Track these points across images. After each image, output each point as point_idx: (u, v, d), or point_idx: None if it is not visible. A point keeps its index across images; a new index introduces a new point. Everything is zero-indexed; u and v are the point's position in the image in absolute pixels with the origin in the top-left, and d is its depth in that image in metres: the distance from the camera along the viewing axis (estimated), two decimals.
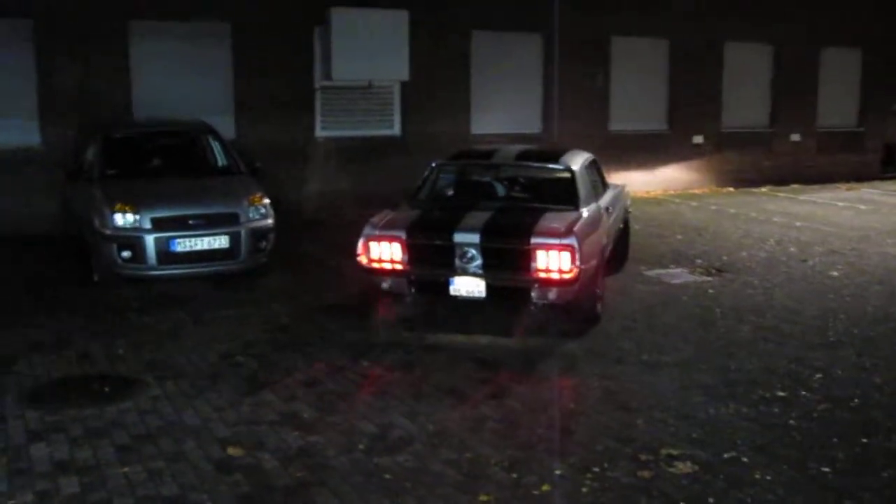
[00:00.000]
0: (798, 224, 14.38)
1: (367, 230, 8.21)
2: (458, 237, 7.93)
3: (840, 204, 16.86)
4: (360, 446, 5.55)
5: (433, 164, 9.47)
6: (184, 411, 6.18)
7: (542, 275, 7.70)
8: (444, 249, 7.98)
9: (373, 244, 8.11)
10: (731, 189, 18.88)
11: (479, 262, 7.88)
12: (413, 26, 14.58)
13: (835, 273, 10.74)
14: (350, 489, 4.96)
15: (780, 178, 19.59)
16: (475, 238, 7.88)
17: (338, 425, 5.88)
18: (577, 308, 8.12)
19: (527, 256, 7.75)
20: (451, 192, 9.55)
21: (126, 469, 5.22)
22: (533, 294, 7.81)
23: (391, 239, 8.06)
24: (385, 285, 8.19)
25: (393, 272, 8.10)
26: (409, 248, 8.04)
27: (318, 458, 5.37)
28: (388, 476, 5.13)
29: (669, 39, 18.06)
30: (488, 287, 7.88)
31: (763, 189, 18.95)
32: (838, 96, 20.46)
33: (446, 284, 7.98)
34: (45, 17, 12.89)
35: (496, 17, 16.05)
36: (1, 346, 7.66)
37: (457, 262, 7.93)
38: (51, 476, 5.13)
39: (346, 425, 5.88)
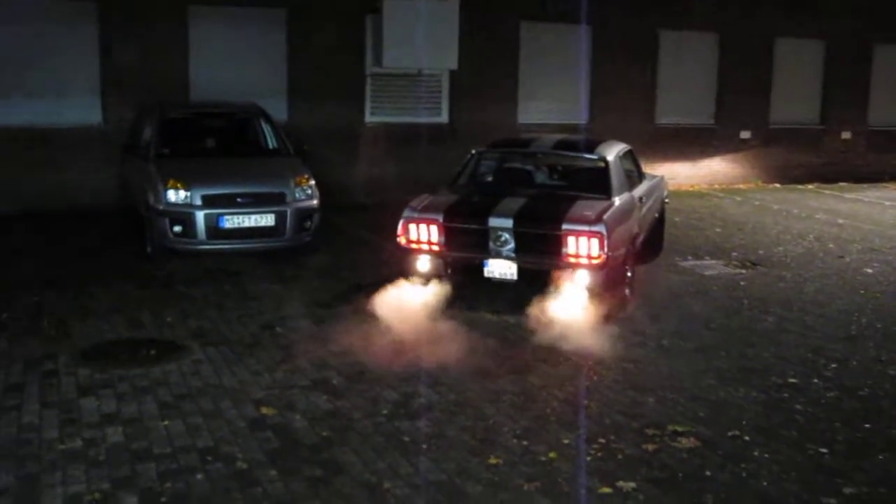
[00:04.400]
0: (840, 221, 14.41)
1: (406, 212, 8.59)
2: (493, 221, 8.28)
3: (887, 203, 16.77)
4: (384, 411, 5.92)
5: (473, 152, 9.83)
6: (223, 374, 6.61)
7: (572, 259, 8.02)
8: (479, 233, 8.35)
9: (412, 226, 8.50)
10: (778, 185, 18.87)
11: (511, 245, 8.23)
12: (463, 16, 14.86)
13: (869, 270, 10.83)
14: (370, 449, 5.33)
15: (829, 176, 19.50)
16: (509, 223, 8.22)
17: (364, 392, 6.25)
18: (606, 293, 8.34)
19: (557, 242, 8.07)
20: (488, 179, 9.89)
21: (166, 423, 5.66)
22: (563, 278, 8.12)
23: (429, 221, 8.45)
24: (422, 265, 8.57)
25: (430, 253, 8.49)
26: (445, 230, 8.41)
27: (344, 421, 5.75)
28: (406, 439, 5.49)
29: (719, 34, 18.09)
30: (520, 270, 8.24)
31: (810, 186, 18.90)
32: (891, 94, 20.23)
33: (480, 266, 8.36)
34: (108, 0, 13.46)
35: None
36: (58, 310, 8.19)
37: (491, 245, 8.29)
38: (98, 426, 5.59)
39: (373, 393, 6.25)
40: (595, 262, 7.96)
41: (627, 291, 8.85)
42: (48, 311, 8.16)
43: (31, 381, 6.35)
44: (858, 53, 19.54)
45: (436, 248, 8.47)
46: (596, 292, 8.15)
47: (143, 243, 10.42)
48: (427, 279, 8.60)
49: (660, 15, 17.27)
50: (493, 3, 15.84)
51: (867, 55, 19.69)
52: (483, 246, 8.33)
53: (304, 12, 14.63)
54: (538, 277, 8.31)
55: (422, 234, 8.48)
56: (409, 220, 8.54)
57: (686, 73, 17.95)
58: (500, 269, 8.30)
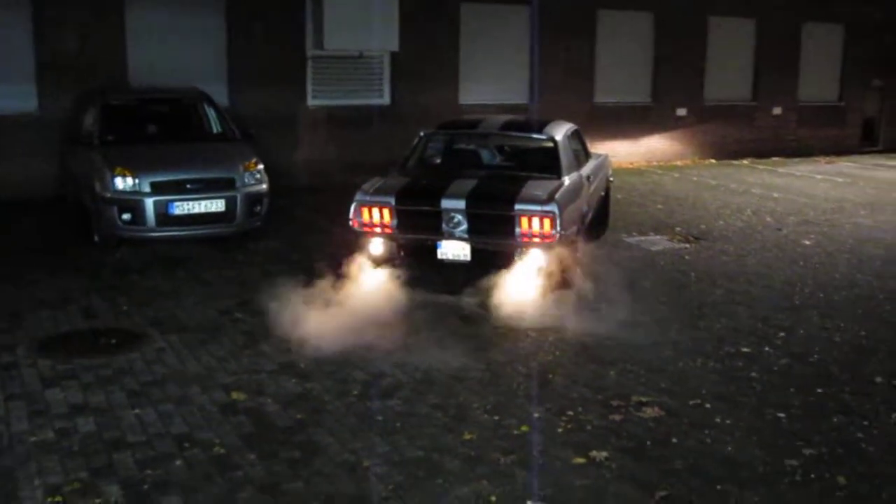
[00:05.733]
0: (776, 195, 14.84)
1: (358, 196, 8.58)
2: (445, 203, 8.31)
3: (818, 177, 17.33)
4: (354, 392, 5.99)
5: (421, 134, 9.82)
6: (188, 361, 6.60)
7: (525, 239, 8.13)
8: (431, 215, 8.36)
9: (364, 209, 8.51)
10: (713, 161, 19.33)
11: (464, 226, 8.28)
12: None
13: (807, 242, 11.21)
14: (345, 429, 5.41)
15: (762, 151, 20.06)
16: (461, 204, 8.27)
17: (332, 374, 6.30)
18: (557, 271, 8.39)
19: (510, 222, 8.15)
20: (438, 161, 9.92)
21: (137, 411, 5.65)
22: (516, 257, 8.24)
23: (381, 205, 8.46)
24: (375, 248, 8.58)
25: (383, 236, 8.51)
26: (398, 213, 8.43)
27: (315, 403, 5.81)
28: (379, 418, 5.58)
29: (654, 13, 18.41)
30: (473, 251, 8.29)
31: (744, 161, 19.41)
32: (819, 71, 20.89)
33: (434, 248, 8.38)
34: None
35: None
36: (8, 303, 8.02)
37: (444, 226, 8.33)
38: (68, 417, 5.55)
39: (340, 374, 6.31)
40: (547, 241, 8.08)
41: (578, 269, 8.95)
42: None
43: None
44: (788, 31, 20.07)
45: (388, 230, 8.50)
46: (548, 271, 8.25)
47: (89, 232, 10.27)
48: (380, 262, 8.61)
49: None
50: None
51: (796, 33, 20.23)
52: (436, 228, 8.35)
53: None
54: (491, 258, 8.38)
55: (374, 217, 8.49)
56: (361, 204, 8.54)
57: (623, 52, 18.25)
58: (454, 250, 8.35)
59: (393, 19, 14.84)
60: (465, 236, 8.28)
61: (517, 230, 8.13)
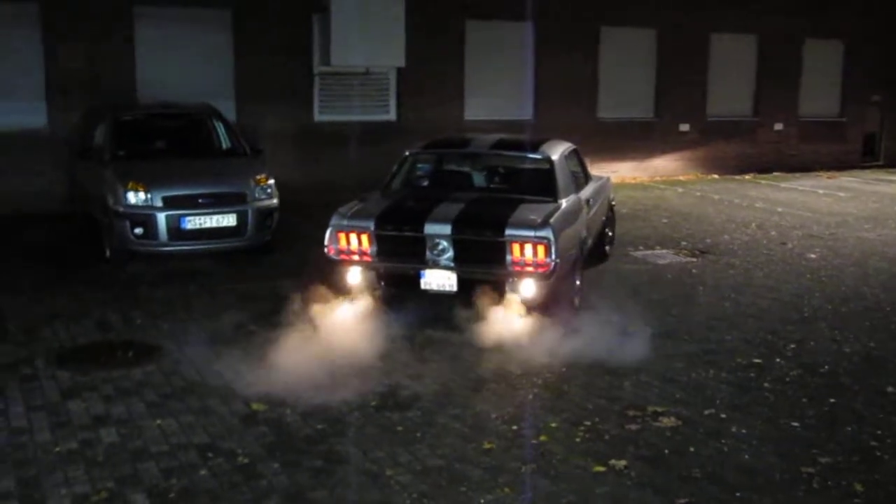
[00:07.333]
0: (779, 210, 14.94)
1: (334, 220, 7.93)
2: (429, 228, 7.64)
3: (820, 191, 17.43)
4: (373, 403, 6.06)
5: (407, 153, 9.19)
6: (205, 373, 6.66)
7: (517, 268, 7.47)
8: (414, 241, 7.71)
9: (341, 235, 7.87)
10: (716, 176, 19.44)
11: (450, 254, 7.62)
12: (409, 14, 15.01)
13: (812, 255, 11.29)
14: (366, 439, 5.47)
15: (764, 166, 20.18)
16: (446, 229, 7.60)
17: (350, 386, 6.34)
18: (553, 302, 7.84)
19: (500, 249, 7.50)
20: (424, 182, 9.25)
21: (159, 422, 5.72)
22: (507, 288, 7.58)
23: (359, 230, 7.83)
24: (353, 278, 7.96)
25: (361, 264, 7.88)
26: (377, 239, 7.80)
27: (335, 414, 5.87)
28: (400, 428, 5.65)
29: (657, 30, 18.56)
30: (460, 280, 7.63)
31: (747, 176, 19.53)
32: (820, 87, 21.02)
33: (416, 277, 7.75)
34: (51, 1, 13.26)
35: (490, 6, 16.51)
36: (23, 316, 8.09)
37: (427, 254, 7.66)
38: (90, 428, 5.62)
39: (358, 386, 6.35)
40: (542, 269, 7.43)
41: (577, 299, 8.29)
42: (12, 316, 8.05)
43: (12, 387, 6.32)
44: (789, 47, 20.21)
45: (367, 258, 7.83)
46: (542, 303, 7.65)
47: (100, 246, 10.35)
48: (358, 293, 7.97)
49: (601, 12, 17.65)
50: (440, 1, 16.00)
51: (797, 49, 20.37)
52: (419, 255, 7.68)
53: (250, 12, 14.63)
54: (480, 288, 7.58)
55: (352, 244, 7.83)
56: (337, 229, 7.87)
57: (626, 68, 18.37)
58: (438, 280, 7.67)
59: (399, 36, 15.01)
60: (451, 265, 7.62)
61: (508, 258, 7.46)
